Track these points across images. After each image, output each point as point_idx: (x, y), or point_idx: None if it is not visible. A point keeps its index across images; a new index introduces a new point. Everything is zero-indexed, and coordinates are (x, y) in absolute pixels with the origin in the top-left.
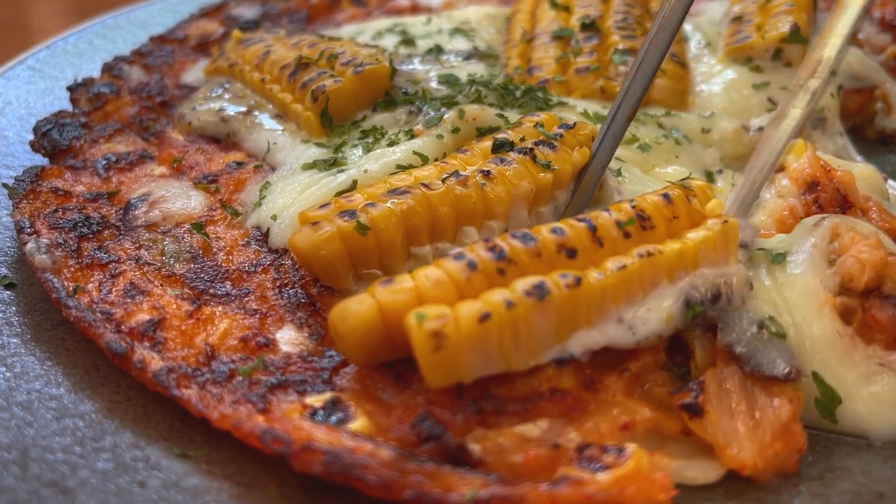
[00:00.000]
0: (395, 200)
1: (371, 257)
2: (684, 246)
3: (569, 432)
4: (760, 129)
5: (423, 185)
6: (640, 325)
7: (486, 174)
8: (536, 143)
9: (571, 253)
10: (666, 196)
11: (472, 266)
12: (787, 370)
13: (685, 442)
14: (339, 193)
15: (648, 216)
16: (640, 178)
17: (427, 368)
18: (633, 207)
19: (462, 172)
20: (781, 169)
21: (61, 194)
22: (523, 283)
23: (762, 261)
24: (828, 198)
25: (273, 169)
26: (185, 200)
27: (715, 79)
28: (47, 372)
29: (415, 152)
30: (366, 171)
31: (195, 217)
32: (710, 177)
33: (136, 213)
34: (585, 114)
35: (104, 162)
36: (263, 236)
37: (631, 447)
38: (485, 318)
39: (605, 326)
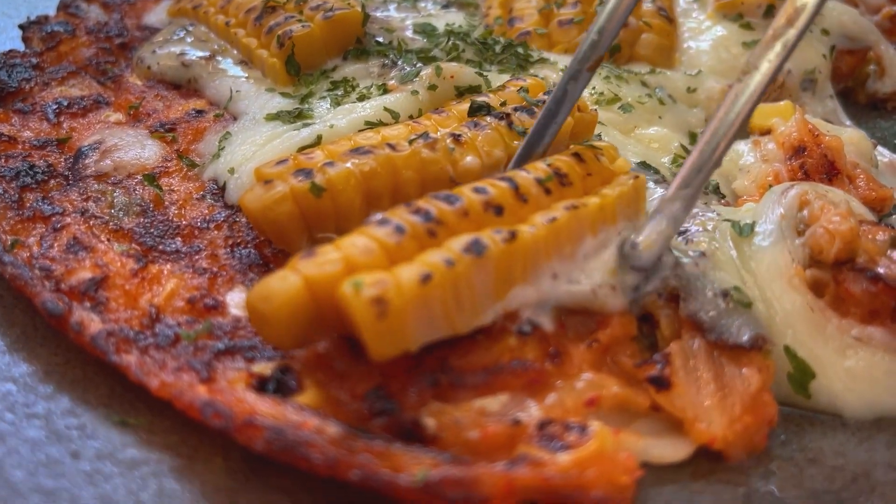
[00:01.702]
0: (356, 161)
1: (327, 221)
2: (604, 200)
3: (531, 407)
4: None
5: (389, 145)
6: (584, 278)
7: (457, 138)
8: (515, 109)
9: (499, 210)
10: (577, 155)
11: (400, 230)
12: (752, 336)
13: (654, 419)
14: (302, 149)
15: (565, 173)
16: (620, 142)
17: (371, 339)
18: (549, 166)
19: (432, 135)
20: (768, 132)
21: (5, 140)
22: (459, 242)
23: (728, 232)
24: (814, 164)
25: (235, 119)
26: (139, 150)
27: (703, 35)
28: None
29: (386, 108)
30: (332, 127)
31: (149, 168)
32: (693, 138)
33: (87, 161)
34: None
35: (55, 106)
36: (220, 190)
37: (595, 425)
38: (426, 278)
39: (540, 282)
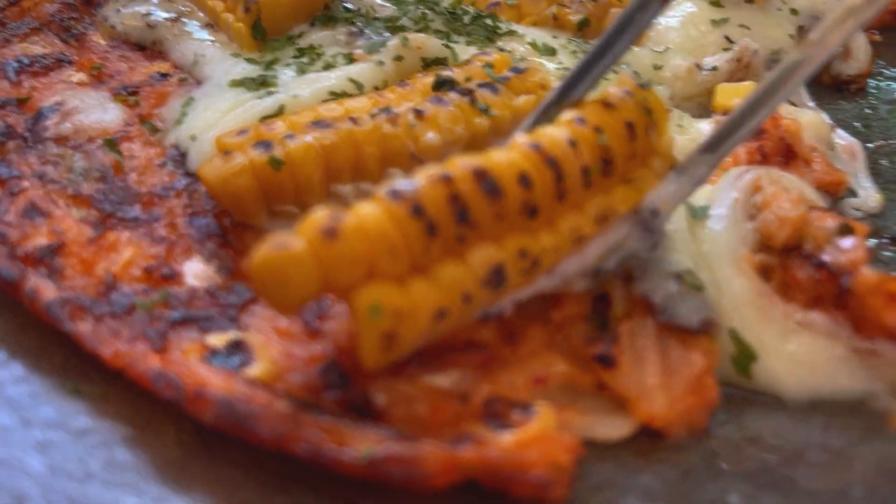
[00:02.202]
0: (317, 134)
1: (286, 194)
2: (636, 197)
3: (482, 385)
4: (714, 68)
5: (351, 118)
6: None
7: (419, 114)
8: (479, 86)
9: (533, 213)
10: (630, 127)
11: (431, 231)
12: (701, 320)
13: (599, 397)
14: (265, 118)
15: (612, 158)
16: None
17: (368, 356)
18: (599, 145)
19: (394, 109)
20: (725, 111)
21: None
22: (482, 268)
23: (683, 214)
24: (772, 147)
25: (199, 83)
26: (100, 113)
27: (672, 11)
28: None
29: (351, 79)
30: (295, 96)
31: (110, 132)
32: None
33: (47, 123)
34: (534, 45)
35: (16, 64)
36: (182, 157)
37: (539, 405)
38: (441, 315)
39: (536, 282)
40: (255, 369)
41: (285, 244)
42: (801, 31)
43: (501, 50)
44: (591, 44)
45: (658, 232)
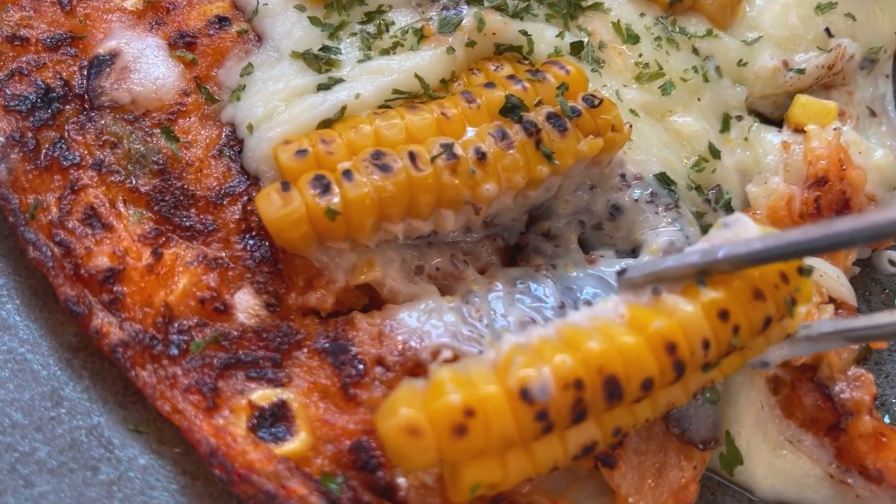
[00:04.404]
0: (376, 178)
1: (337, 236)
2: (740, 364)
3: None
4: (801, 71)
5: (410, 156)
6: None
7: (481, 158)
8: (548, 118)
9: (641, 399)
10: (768, 320)
11: (548, 429)
12: (707, 440)
13: (593, 477)
14: (325, 123)
15: (735, 349)
16: (648, 141)
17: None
18: (731, 345)
19: (456, 149)
20: (802, 130)
21: (18, 45)
22: (578, 447)
23: None
24: (830, 201)
25: (259, 39)
26: (157, 74)
27: None
28: (3, 301)
29: (416, 75)
30: (358, 96)
31: (166, 104)
32: (726, 123)
33: (102, 81)
34: (617, 27)
35: None
36: (237, 142)
37: None
38: (528, 481)
39: None
40: (295, 443)
41: (415, 428)
42: None
43: (581, 29)
44: (678, 28)
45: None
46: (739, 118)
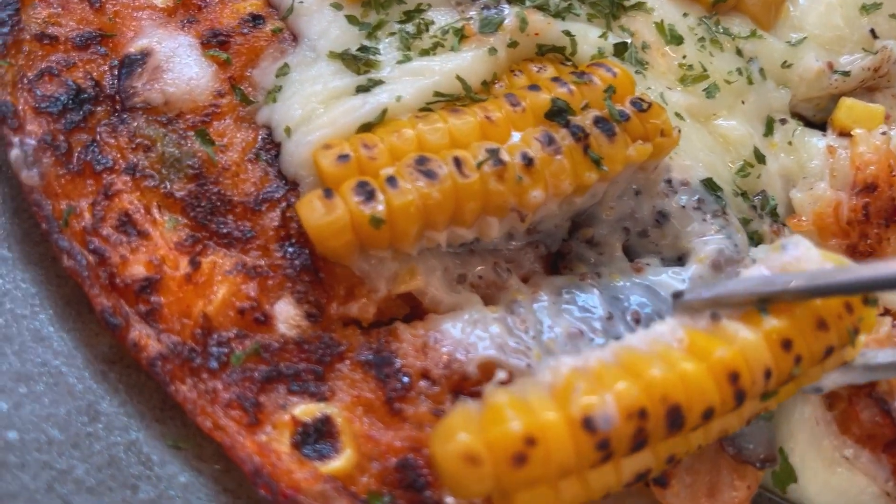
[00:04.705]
0: (421, 185)
1: (381, 244)
2: (794, 391)
3: None
4: (847, 73)
5: (455, 161)
6: None
7: (528, 165)
8: (596, 122)
9: (698, 427)
10: (829, 350)
11: (607, 458)
12: (764, 459)
13: (643, 494)
14: (365, 126)
15: (794, 379)
16: (694, 146)
17: None
18: (791, 376)
19: (502, 155)
20: (848, 135)
21: (47, 43)
22: (631, 475)
23: None
24: (880, 208)
25: (294, 39)
26: (190, 75)
27: None
28: (35, 311)
29: (458, 77)
30: (399, 99)
31: (200, 106)
32: (769, 126)
33: (134, 81)
34: (660, 27)
35: None
36: (273, 145)
37: None
38: None
39: None
40: (341, 461)
41: (473, 456)
42: None
43: (623, 30)
44: (721, 28)
45: None
46: (783, 121)
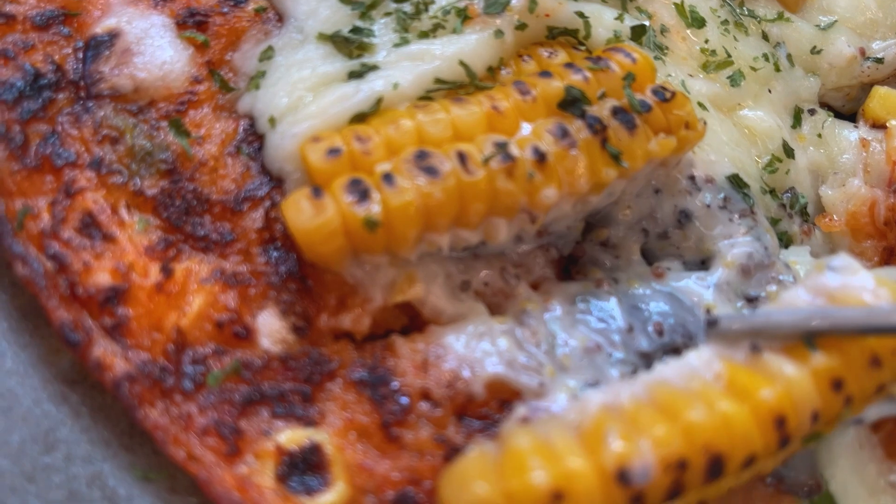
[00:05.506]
0: (422, 183)
1: (376, 248)
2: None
3: None
4: (879, 60)
5: (459, 156)
6: None
7: (540, 160)
8: (615, 113)
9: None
10: (881, 388)
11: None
12: (811, 488)
13: None
14: (358, 116)
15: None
16: (719, 139)
17: None
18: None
19: (511, 149)
20: (883, 126)
21: (2, 22)
22: None
23: None
24: None
25: (279, 19)
26: (163, 58)
27: None
28: None
29: (461, 62)
30: (396, 86)
31: (175, 93)
32: (797, 117)
33: (100, 66)
34: (680, 9)
35: None
36: (256, 137)
37: None
38: None
39: None
40: (332, 495)
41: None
42: None
43: (640, 11)
44: (746, 9)
45: None
46: (812, 112)
